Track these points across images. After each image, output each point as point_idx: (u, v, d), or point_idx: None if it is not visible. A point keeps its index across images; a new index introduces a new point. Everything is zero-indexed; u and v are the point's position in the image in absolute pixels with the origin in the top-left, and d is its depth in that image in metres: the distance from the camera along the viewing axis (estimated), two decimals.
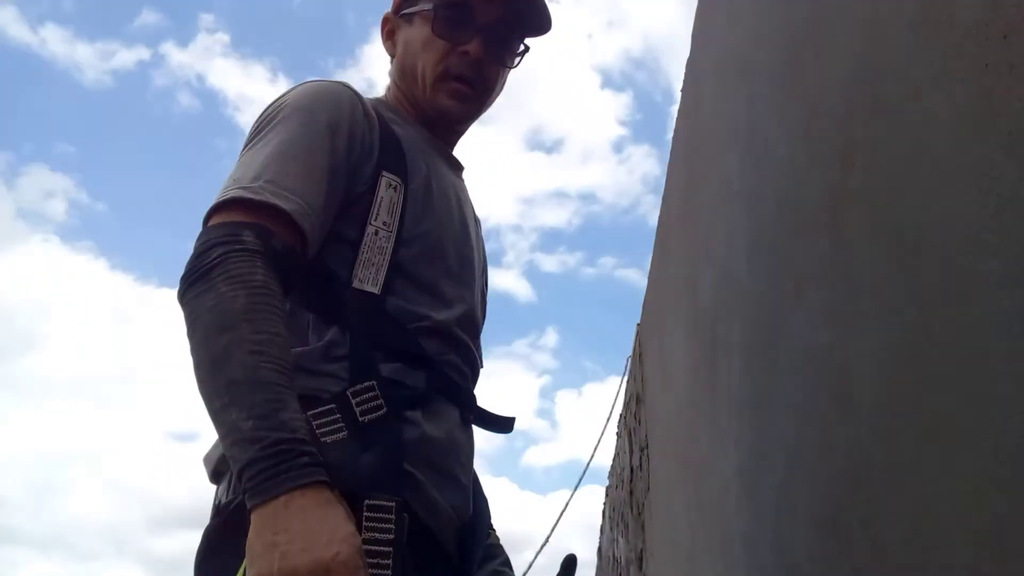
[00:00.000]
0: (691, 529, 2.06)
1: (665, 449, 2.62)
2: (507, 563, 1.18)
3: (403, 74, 1.18)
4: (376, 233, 1.01)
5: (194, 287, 0.88)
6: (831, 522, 0.98)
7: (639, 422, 3.34)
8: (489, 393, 1.20)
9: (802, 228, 1.12)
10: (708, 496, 1.82)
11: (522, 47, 1.21)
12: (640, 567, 3.17)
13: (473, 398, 1.11)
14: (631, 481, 3.52)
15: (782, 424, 1.21)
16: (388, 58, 1.25)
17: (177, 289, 0.90)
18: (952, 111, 0.70)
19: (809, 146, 1.09)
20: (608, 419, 4.01)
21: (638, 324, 3.50)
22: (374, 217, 1.02)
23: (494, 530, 1.19)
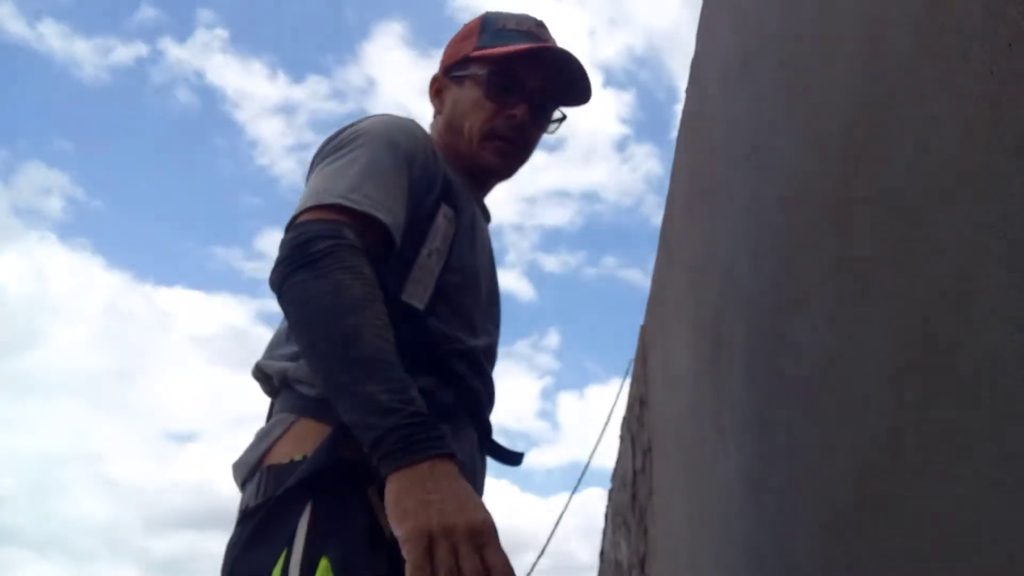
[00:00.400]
0: (694, 533, 2.06)
1: (668, 452, 2.62)
2: None
3: (450, 129, 1.28)
4: (429, 256, 1.10)
5: (301, 272, 0.93)
6: (834, 527, 0.98)
7: (642, 425, 3.34)
8: None
9: (807, 232, 1.12)
10: (711, 500, 1.82)
11: (560, 115, 1.34)
12: (642, 570, 3.17)
13: (490, 426, 1.17)
14: (634, 484, 3.52)
15: (786, 428, 1.21)
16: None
17: (276, 272, 0.95)
18: (957, 117, 0.70)
19: (814, 150, 1.09)
20: (607, 421, 4.02)
21: (641, 326, 3.50)
22: (430, 240, 1.10)
23: None
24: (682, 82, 2.34)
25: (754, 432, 1.40)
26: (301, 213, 1.00)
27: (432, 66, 1.39)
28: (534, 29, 1.30)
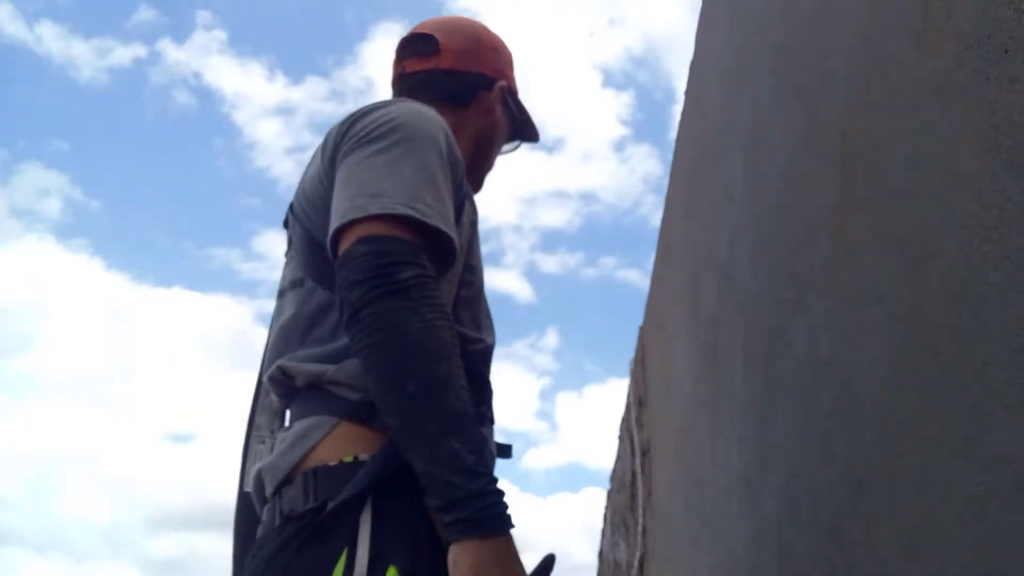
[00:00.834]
0: (693, 534, 2.06)
1: (667, 453, 2.62)
2: None
3: (476, 139, 1.30)
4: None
5: (390, 300, 0.87)
6: (832, 529, 0.99)
7: (641, 425, 3.34)
8: None
9: (804, 235, 1.12)
10: (710, 501, 1.82)
11: (515, 145, 1.43)
12: (641, 571, 3.17)
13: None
14: (632, 485, 3.52)
15: (784, 430, 1.21)
16: (390, 63, 1.31)
17: (355, 292, 0.88)
18: (953, 122, 0.70)
19: (811, 154, 1.09)
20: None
21: (640, 326, 3.51)
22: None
23: None
24: (680, 83, 2.35)
25: (752, 433, 1.40)
26: (364, 220, 0.92)
27: None
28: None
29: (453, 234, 0.96)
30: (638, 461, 3.36)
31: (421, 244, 0.92)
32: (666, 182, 2.72)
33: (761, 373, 1.35)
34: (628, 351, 3.80)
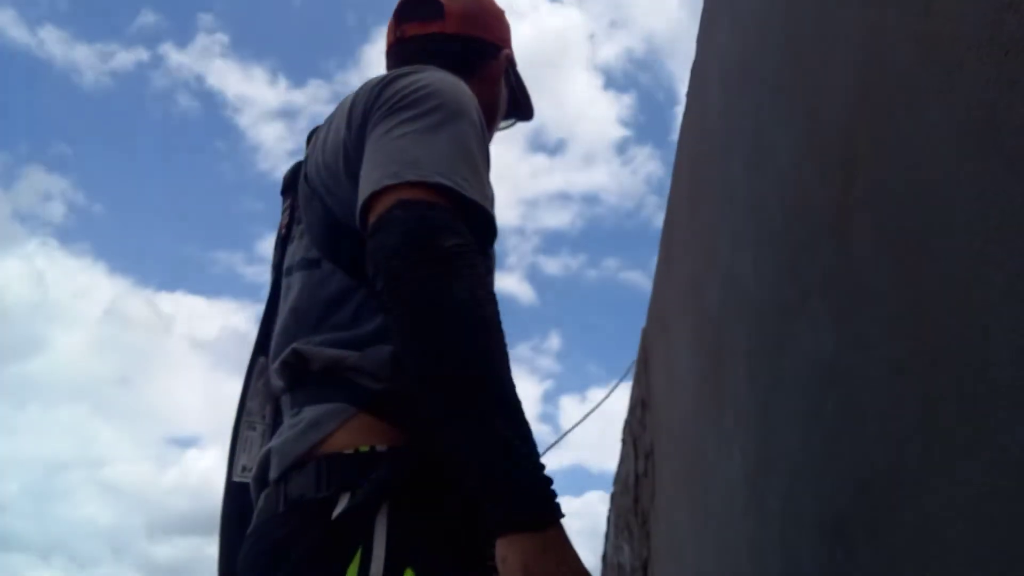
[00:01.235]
0: (697, 536, 2.06)
1: (671, 455, 2.62)
2: None
3: (487, 109, 1.20)
4: None
5: (432, 267, 0.81)
6: (837, 530, 0.99)
7: (644, 427, 3.34)
8: None
9: (807, 236, 1.12)
10: (714, 503, 1.82)
11: (511, 122, 1.39)
12: (645, 574, 3.17)
13: None
14: (636, 487, 3.52)
15: (788, 432, 1.21)
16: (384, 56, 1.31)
17: (395, 258, 0.82)
18: (954, 125, 0.70)
19: (813, 155, 1.10)
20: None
21: (643, 328, 3.51)
22: None
23: None
24: (682, 84, 2.36)
25: (756, 434, 1.41)
26: (400, 186, 0.86)
27: None
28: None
29: (492, 210, 0.91)
30: (641, 463, 3.36)
31: (459, 215, 0.87)
32: (668, 183, 2.72)
33: (764, 374, 1.35)
34: (631, 352, 3.80)
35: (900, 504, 0.81)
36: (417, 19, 1.22)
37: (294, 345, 0.98)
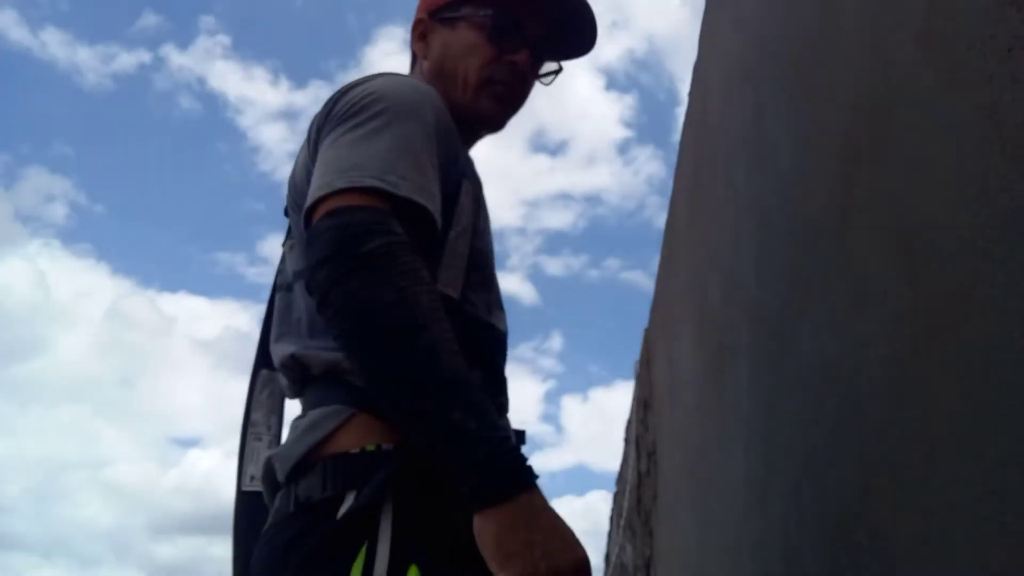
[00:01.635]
0: (699, 536, 2.06)
1: (673, 455, 2.62)
2: None
3: (440, 75, 1.17)
4: (457, 238, 1.01)
5: (357, 276, 0.82)
6: (839, 530, 0.98)
7: (647, 428, 3.34)
8: None
9: (809, 236, 1.12)
10: (716, 503, 1.82)
11: (558, 67, 1.24)
12: (648, 574, 3.16)
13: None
14: (639, 487, 3.52)
15: (790, 432, 1.21)
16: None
17: (320, 273, 0.84)
18: (956, 122, 0.70)
19: (815, 155, 1.09)
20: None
21: (645, 328, 3.51)
22: (456, 223, 1.01)
23: None
24: (683, 84, 2.35)
25: (758, 434, 1.40)
26: (331, 195, 0.87)
27: None
28: None
29: (429, 204, 0.90)
30: (644, 463, 3.36)
31: (392, 212, 0.87)
32: (670, 183, 2.72)
33: (766, 374, 1.35)
34: (633, 352, 3.79)
35: (902, 504, 0.81)
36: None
37: (292, 351, 1.00)
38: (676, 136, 2.55)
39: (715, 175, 1.88)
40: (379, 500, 0.85)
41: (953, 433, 0.71)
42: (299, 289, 1.05)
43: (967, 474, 0.68)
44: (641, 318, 3.54)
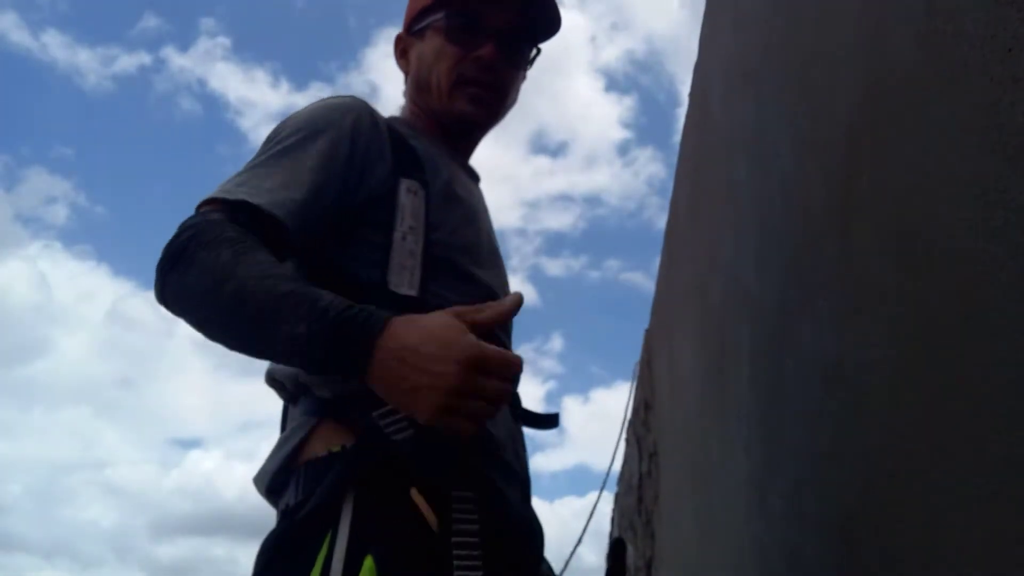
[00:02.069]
0: (701, 537, 2.06)
1: (675, 456, 2.62)
2: None
3: (418, 87, 1.20)
4: (404, 238, 1.02)
5: (174, 270, 0.88)
6: (841, 530, 0.98)
7: (648, 428, 3.34)
8: None
9: (810, 236, 1.12)
10: (718, 504, 1.82)
11: (534, 51, 1.24)
12: (649, 574, 3.16)
13: (518, 397, 1.11)
14: (640, 488, 3.52)
15: (791, 432, 1.21)
16: (398, 71, 1.28)
17: (155, 284, 0.90)
18: (957, 123, 0.70)
19: (816, 155, 1.09)
20: (623, 427, 4.00)
21: (646, 329, 3.50)
22: (400, 222, 1.03)
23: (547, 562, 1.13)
24: (683, 85, 2.35)
25: (760, 435, 1.40)
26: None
27: None
28: None
29: (258, 200, 0.92)
30: (645, 464, 3.36)
31: (215, 210, 0.92)
32: (670, 184, 2.72)
33: (768, 375, 1.35)
34: (634, 353, 3.79)
35: (904, 504, 0.81)
36: None
37: (267, 368, 1.06)
38: (676, 137, 2.56)
39: (716, 175, 1.88)
40: (337, 495, 0.89)
41: (955, 433, 0.71)
42: None
43: (969, 474, 0.68)
44: (641, 319, 3.54)
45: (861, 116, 0.93)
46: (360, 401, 0.92)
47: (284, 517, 0.94)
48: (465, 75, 1.15)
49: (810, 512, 1.11)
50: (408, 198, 1.04)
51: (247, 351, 0.88)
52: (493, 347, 0.83)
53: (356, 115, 1.05)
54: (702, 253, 2.07)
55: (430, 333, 0.82)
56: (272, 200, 0.93)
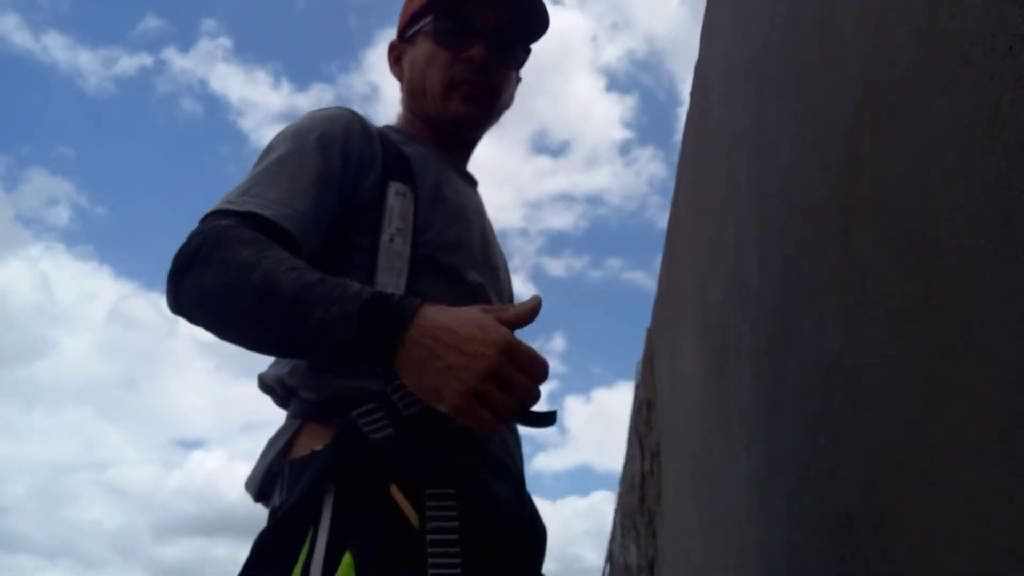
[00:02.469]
0: (703, 536, 2.06)
1: (676, 455, 2.62)
2: None
3: (413, 93, 1.21)
4: (391, 240, 1.03)
5: (189, 273, 0.88)
6: (843, 530, 0.98)
7: (650, 427, 3.33)
8: None
9: (811, 235, 1.12)
10: (720, 503, 1.82)
11: (524, 52, 1.25)
12: (651, 574, 3.16)
13: None
14: (642, 487, 3.52)
15: (793, 431, 1.21)
16: (391, 74, 1.28)
17: (167, 297, 0.91)
18: (958, 121, 0.70)
19: (817, 153, 1.09)
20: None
21: (648, 328, 3.50)
22: (387, 225, 1.03)
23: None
24: (684, 84, 2.36)
25: (761, 433, 1.40)
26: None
27: None
28: None
29: (266, 212, 0.94)
30: (647, 463, 3.36)
31: (223, 220, 0.93)
32: (671, 184, 2.72)
33: (769, 374, 1.35)
34: (635, 353, 3.79)
35: (906, 503, 0.81)
36: None
37: (259, 374, 1.07)
38: (677, 136, 2.55)
39: (717, 174, 1.88)
40: (317, 493, 0.89)
41: (957, 431, 0.71)
42: None
43: (971, 473, 0.68)
44: (643, 318, 3.54)
45: (862, 114, 0.93)
46: (342, 402, 0.93)
47: (270, 517, 0.96)
48: (457, 77, 1.16)
49: (811, 511, 1.11)
50: (397, 200, 1.05)
51: (270, 343, 0.89)
52: (525, 343, 0.84)
53: (347, 123, 1.07)
54: (703, 252, 2.07)
55: (466, 316, 0.84)
56: (280, 212, 0.94)
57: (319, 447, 0.94)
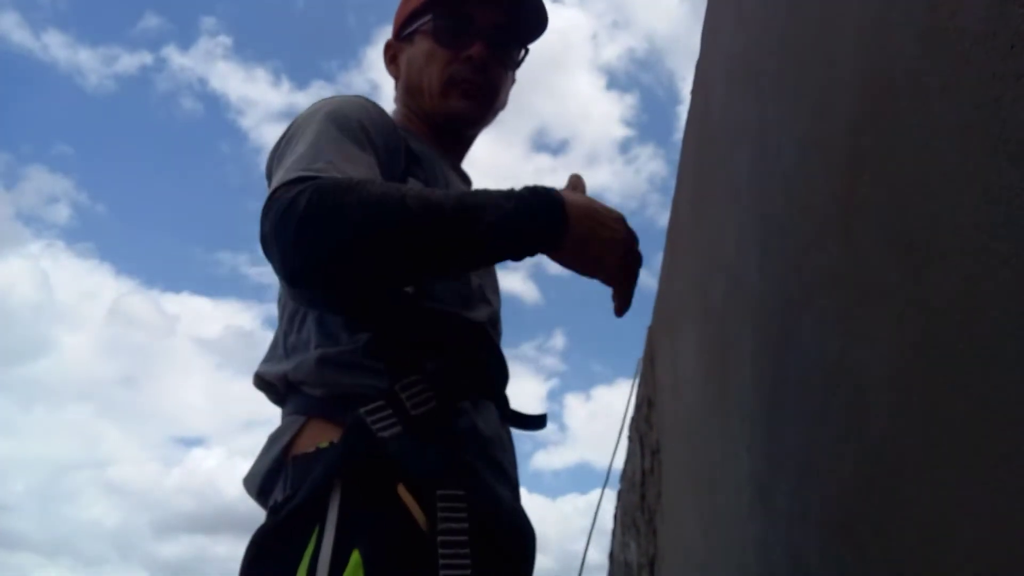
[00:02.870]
0: (703, 534, 2.06)
1: (677, 453, 2.62)
2: None
3: (410, 91, 1.21)
4: None
5: (315, 227, 0.85)
6: (843, 528, 0.98)
7: (651, 426, 3.34)
8: None
9: (811, 234, 1.12)
10: (720, 501, 1.82)
11: (522, 51, 1.25)
12: (652, 572, 3.16)
13: (507, 399, 1.11)
14: (643, 485, 3.52)
15: (794, 430, 1.21)
16: (391, 76, 1.29)
17: (286, 258, 0.87)
18: (960, 120, 0.70)
19: (818, 153, 1.09)
20: (622, 426, 4.00)
21: (649, 327, 3.50)
22: None
23: None
24: (684, 83, 2.36)
25: (762, 433, 1.40)
26: (268, 201, 0.91)
27: None
28: None
29: (314, 172, 0.91)
30: (648, 461, 3.36)
31: (298, 184, 0.90)
32: (672, 183, 2.72)
33: (770, 373, 1.35)
34: (636, 351, 3.79)
35: (906, 503, 0.81)
36: None
37: (256, 371, 1.07)
38: (677, 135, 2.55)
39: (718, 173, 1.88)
40: (324, 490, 0.88)
41: (958, 431, 0.71)
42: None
43: (972, 472, 0.68)
44: (644, 316, 3.54)
45: (863, 113, 0.93)
46: (349, 399, 0.92)
47: (272, 512, 0.94)
48: (456, 75, 1.16)
49: (812, 511, 1.11)
50: None
51: (435, 260, 0.91)
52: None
53: (378, 112, 1.09)
54: (704, 251, 2.07)
55: (587, 199, 0.97)
56: (355, 175, 0.93)
57: (325, 444, 0.93)
